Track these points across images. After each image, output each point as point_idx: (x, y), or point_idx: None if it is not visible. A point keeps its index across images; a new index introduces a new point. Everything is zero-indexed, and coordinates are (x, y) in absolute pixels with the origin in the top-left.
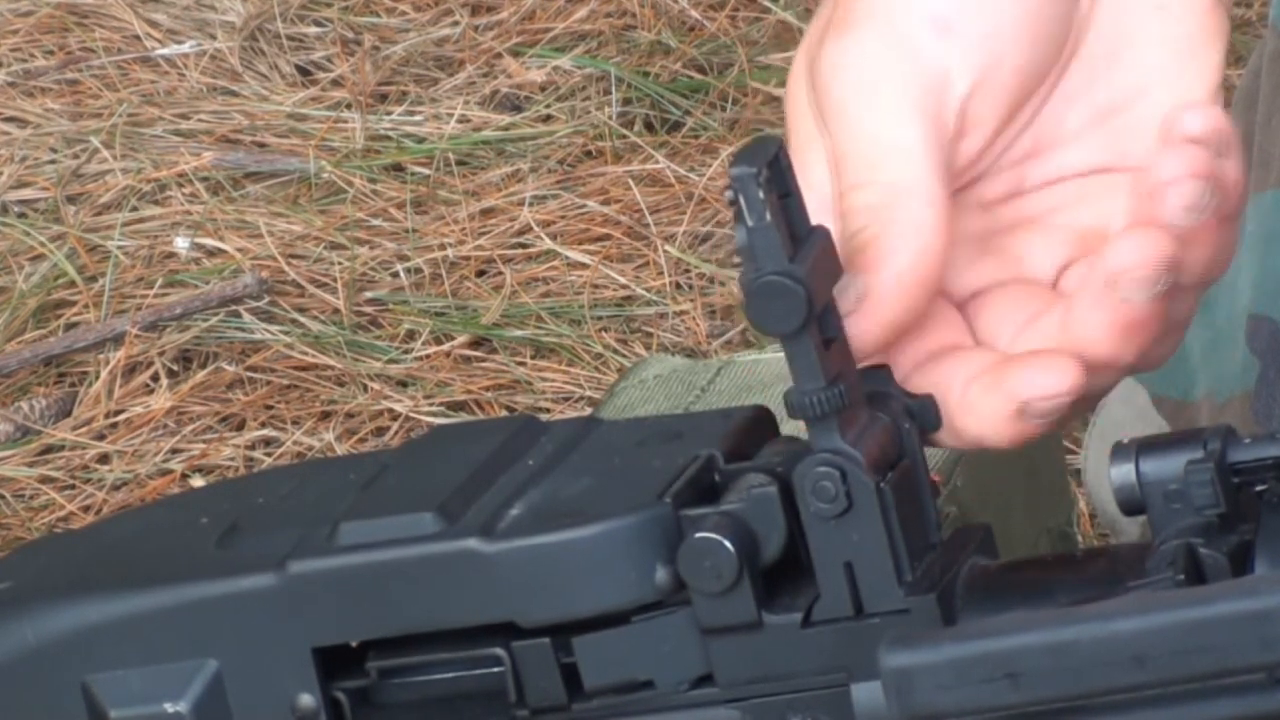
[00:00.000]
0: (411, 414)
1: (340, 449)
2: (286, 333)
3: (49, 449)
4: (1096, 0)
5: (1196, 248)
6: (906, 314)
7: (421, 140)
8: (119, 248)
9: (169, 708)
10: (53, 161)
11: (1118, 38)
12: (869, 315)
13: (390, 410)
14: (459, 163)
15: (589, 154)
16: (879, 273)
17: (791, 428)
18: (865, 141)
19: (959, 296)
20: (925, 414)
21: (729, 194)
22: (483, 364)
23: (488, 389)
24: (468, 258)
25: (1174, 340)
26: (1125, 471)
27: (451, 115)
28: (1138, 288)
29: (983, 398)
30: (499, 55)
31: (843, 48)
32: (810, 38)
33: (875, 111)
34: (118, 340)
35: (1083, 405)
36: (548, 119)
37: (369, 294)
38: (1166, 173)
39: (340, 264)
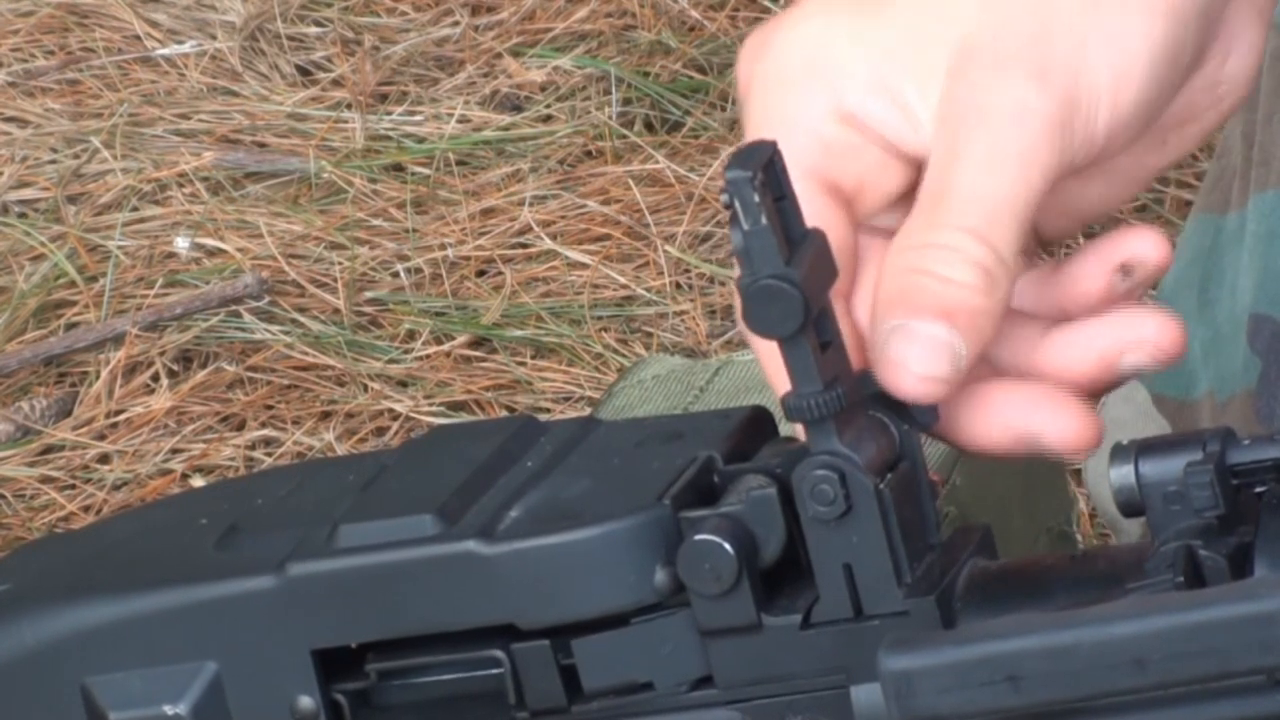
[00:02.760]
0: (411, 414)
1: (340, 449)
2: (287, 333)
3: (49, 449)
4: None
5: None
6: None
7: (421, 140)
8: (119, 248)
9: (168, 710)
10: (53, 161)
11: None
12: (953, 381)
13: (390, 410)
14: (459, 163)
15: (589, 154)
16: (970, 338)
17: (789, 427)
18: (1004, 202)
19: None
20: (923, 413)
21: (724, 198)
22: (483, 364)
23: (488, 389)
24: (468, 258)
25: None
26: (1124, 473)
27: (451, 115)
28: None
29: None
30: (499, 55)
31: (1032, 95)
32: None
33: (1025, 180)
34: (118, 340)
35: None
36: (548, 119)
37: (369, 294)
38: (1134, 336)
39: (340, 264)
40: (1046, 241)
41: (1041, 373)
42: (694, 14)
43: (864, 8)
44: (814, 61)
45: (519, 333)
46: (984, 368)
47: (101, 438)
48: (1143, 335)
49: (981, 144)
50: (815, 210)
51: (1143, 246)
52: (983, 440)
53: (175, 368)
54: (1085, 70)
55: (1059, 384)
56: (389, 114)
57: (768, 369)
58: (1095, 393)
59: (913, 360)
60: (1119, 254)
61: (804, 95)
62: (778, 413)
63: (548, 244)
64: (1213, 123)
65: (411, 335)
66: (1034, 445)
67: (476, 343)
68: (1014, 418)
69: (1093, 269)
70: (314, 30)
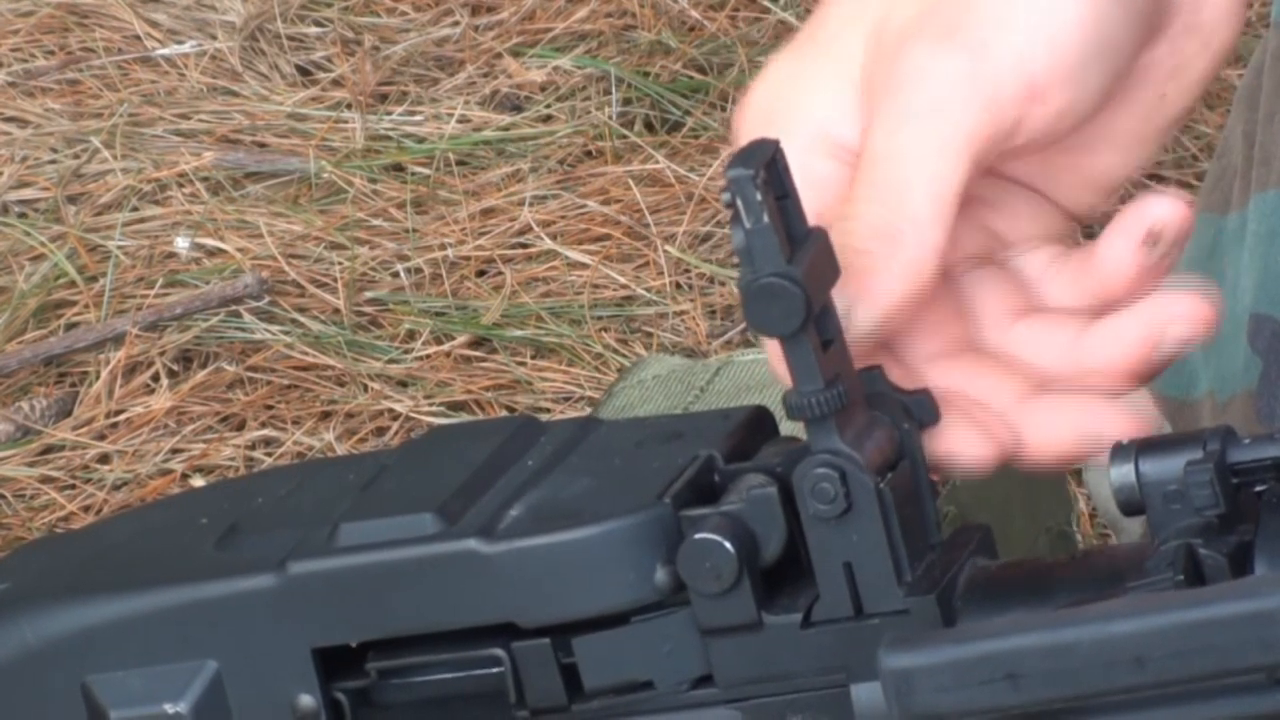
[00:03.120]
0: (412, 414)
1: (340, 449)
2: (287, 333)
3: (49, 449)
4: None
5: None
6: (874, 343)
7: (421, 140)
8: (119, 248)
9: (169, 708)
10: (53, 161)
11: (1120, 100)
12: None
13: (390, 410)
14: (459, 163)
15: (589, 154)
16: (864, 304)
17: (790, 427)
18: (908, 160)
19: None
20: (923, 409)
21: (726, 196)
22: (483, 364)
23: (488, 389)
24: (468, 258)
25: None
26: (1125, 472)
27: (451, 115)
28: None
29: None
30: (499, 55)
31: (934, 58)
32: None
33: (933, 138)
34: (118, 340)
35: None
36: (548, 119)
37: (369, 294)
38: (1169, 313)
39: (340, 264)
40: (1079, 219)
41: (1089, 369)
42: (694, 14)
43: (815, 37)
44: (785, 102)
45: (519, 333)
46: (1028, 382)
47: (101, 438)
48: (1178, 311)
49: (889, 111)
50: None
51: (1161, 211)
52: (1052, 448)
53: (175, 368)
54: (1002, 24)
55: (1108, 377)
56: (389, 114)
57: (776, 366)
58: (1145, 378)
59: None
60: (1140, 226)
61: (784, 137)
62: (778, 412)
63: (548, 244)
64: (1207, 69)
65: (411, 335)
66: (1098, 445)
67: (476, 343)
68: (1077, 421)
69: (1120, 248)
70: (314, 30)
